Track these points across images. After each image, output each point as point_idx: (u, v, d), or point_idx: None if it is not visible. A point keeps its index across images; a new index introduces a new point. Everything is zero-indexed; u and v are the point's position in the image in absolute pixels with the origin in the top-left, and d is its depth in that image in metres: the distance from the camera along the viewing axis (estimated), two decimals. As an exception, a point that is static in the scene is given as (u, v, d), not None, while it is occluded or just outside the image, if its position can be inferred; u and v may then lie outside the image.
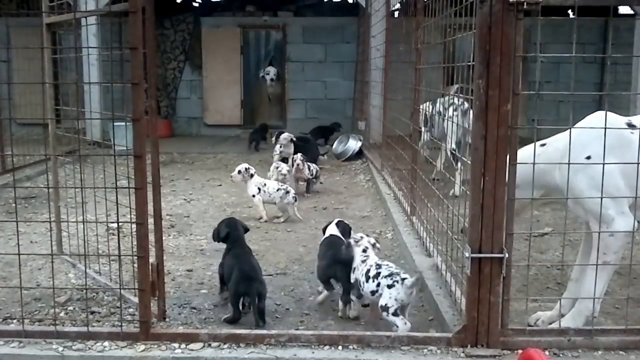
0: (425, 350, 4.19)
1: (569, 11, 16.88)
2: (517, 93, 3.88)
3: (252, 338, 4.27)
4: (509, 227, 4.02)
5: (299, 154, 10.30)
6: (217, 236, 5.67)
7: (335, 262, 5.28)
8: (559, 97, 16.62)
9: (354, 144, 14.30)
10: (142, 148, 4.16)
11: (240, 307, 5.04)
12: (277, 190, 8.42)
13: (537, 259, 6.44)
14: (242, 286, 4.98)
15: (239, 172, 8.73)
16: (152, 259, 4.48)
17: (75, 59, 6.42)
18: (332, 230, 5.84)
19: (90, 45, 12.16)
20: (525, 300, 4.79)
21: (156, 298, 4.63)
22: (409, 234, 7.08)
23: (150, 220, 4.41)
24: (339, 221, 5.94)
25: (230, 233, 5.53)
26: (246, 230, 5.74)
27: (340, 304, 5.21)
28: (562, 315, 4.58)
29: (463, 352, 4.13)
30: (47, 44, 5.96)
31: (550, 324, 4.66)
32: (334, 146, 14.51)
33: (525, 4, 3.80)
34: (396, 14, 12.35)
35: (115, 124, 9.45)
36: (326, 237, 5.81)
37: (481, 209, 3.99)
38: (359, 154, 14.12)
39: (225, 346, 4.25)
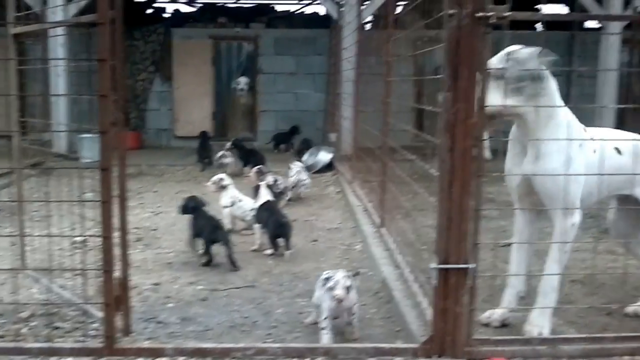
0: (392, 361, 4.20)
1: (537, 25, 17.08)
2: (485, 106, 3.91)
3: (218, 352, 4.23)
4: (475, 238, 4.04)
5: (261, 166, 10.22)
6: (185, 209, 7.29)
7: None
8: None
9: (324, 156, 14.28)
10: (108, 161, 4.12)
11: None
12: (252, 209, 8.14)
13: (503, 269, 6.44)
14: (215, 234, 6.84)
15: (213, 182, 8.72)
16: (117, 273, 4.43)
17: (43, 70, 6.37)
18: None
19: (58, 56, 12.09)
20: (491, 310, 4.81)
21: (121, 312, 4.58)
22: (378, 246, 7.06)
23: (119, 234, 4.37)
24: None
25: (196, 206, 7.20)
26: (204, 204, 7.31)
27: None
28: (512, 311, 4.89)
29: (429, 363, 4.14)
30: (13, 54, 5.90)
31: (503, 320, 4.88)
32: (304, 158, 14.50)
33: (493, 18, 3.83)
34: (368, 26, 12.42)
35: (82, 136, 9.38)
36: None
37: (448, 220, 4.01)
38: (329, 166, 14.12)
39: (191, 360, 4.22)
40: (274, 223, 7.36)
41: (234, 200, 8.44)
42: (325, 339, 4.60)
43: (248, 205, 8.32)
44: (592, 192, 4.74)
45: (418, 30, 5.39)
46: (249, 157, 13.32)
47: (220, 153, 13.36)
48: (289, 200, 10.48)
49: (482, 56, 3.91)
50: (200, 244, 7.07)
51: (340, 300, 4.56)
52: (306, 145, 15.04)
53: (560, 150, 4.49)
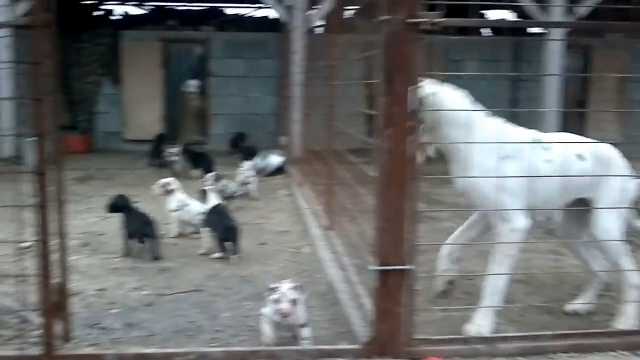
0: (334, 362, 4.23)
1: (482, 30, 17.37)
2: (419, 110, 3.98)
3: (160, 357, 4.24)
4: (413, 240, 4.10)
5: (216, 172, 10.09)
6: (114, 208, 7.68)
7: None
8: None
9: (275, 159, 14.32)
10: (43, 165, 4.08)
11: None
12: (199, 213, 8.08)
13: (448, 270, 6.51)
14: (145, 229, 7.36)
15: (160, 186, 8.70)
16: (57, 279, 4.39)
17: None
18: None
19: (2, 58, 11.93)
20: (434, 310, 4.87)
21: (60, 319, 4.53)
22: (325, 249, 7.10)
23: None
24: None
25: (126, 204, 7.65)
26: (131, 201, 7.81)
27: None
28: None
29: (371, 363, 4.18)
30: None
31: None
32: (255, 161, 14.51)
33: (425, 24, 3.90)
34: (319, 30, 12.47)
35: (28, 140, 9.25)
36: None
37: (386, 222, 4.06)
38: (280, 169, 14.15)
39: (133, 365, 4.20)
40: (222, 226, 7.37)
41: (181, 204, 8.42)
42: (266, 329, 4.51)
43: (195, 209, 8.27)
44: (551, 198, 4.89)
45: (359, 35, 5.44)
46: (198, 160, 13.36)
47: (168, 155, 13.34)
48: (238, 196, 10.71)
49: (416, 61, 3.97)
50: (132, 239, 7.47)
51: (285, 315, 4.44)
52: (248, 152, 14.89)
53: (481, 164, 4.64)
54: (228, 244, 7.29)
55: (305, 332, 4.50)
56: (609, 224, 4.92)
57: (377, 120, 4.10)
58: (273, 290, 4.52)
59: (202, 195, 8.10)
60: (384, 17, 3.94)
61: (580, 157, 4.92)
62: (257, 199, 11.26)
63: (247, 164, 11.95)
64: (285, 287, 4.49)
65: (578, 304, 5.44)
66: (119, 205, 7.66)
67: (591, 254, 5.34)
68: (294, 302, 4.46)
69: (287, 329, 4.60)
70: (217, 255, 7.37)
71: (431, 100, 4.60)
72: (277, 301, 4.42)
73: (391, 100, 3.98)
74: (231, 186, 9.68)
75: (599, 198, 4.98)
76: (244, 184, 11.42)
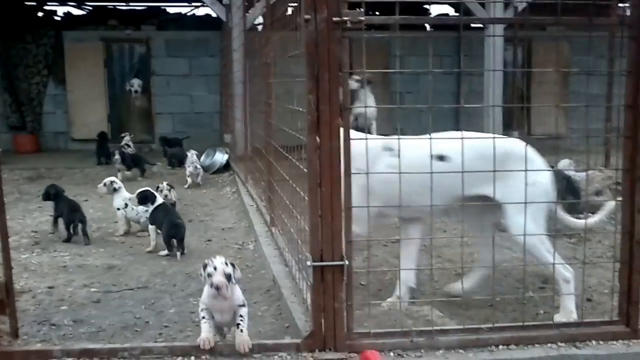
0: (276, 356, 4.29)
1: (426, 25, 17.54)
2: (348, 107, 4.09)
3: (105, 352, 4.27)
4: (348, 235, 4.19)
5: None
6: (47, 196, 8.57)
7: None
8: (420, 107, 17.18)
9: (220, 157, 14.40)
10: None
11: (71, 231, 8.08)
12: (145, 211, 8.16)
13: (394, 264, 6.61)
14: (73, 215, 8.12)
15: (104, 184, 8.76)
16: (1, 278, 4.44)
17: None
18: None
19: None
20: (375, 304, 4.96)
21: (7, 316, 4.57)
22: (269, 245, 7.21)
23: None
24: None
25: (57, 193, 8.46)
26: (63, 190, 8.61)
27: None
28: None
29: (312, 357, 4.26)
30: None
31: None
32: (201, 159, 14.55)
33: (348, 22, 3.98)
34: (259, 27, 12.52)
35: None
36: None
37: (319, 219, 4.15)
38: (226, 167, 14.22)
39: (79, 362, 4.25)
40: (168, 224, 7.48)
41: (126, 202, 8.46)
42: (204, 328, 4.34)
43: (141, 207, 8.29)
44: (413, 199, 4.94)
45: (292, 32, 5.50)
46: (133, 161, 13.60)
47: (115, 156, 13.32)
48: (188, 187, 11.95)
49: (341, 59, 4.04)
50: (60, 223, 8.34)
51: (218, 287, 4.21)
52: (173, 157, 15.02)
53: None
54: (173, 241, 7.41)
55: (243, 311, 4.37)
56: (519, 221, 4.84)
57: (305, 117, 4.18)
58: (206, 266, 4.31)
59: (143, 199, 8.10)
60: (306, 16, 4.00)
61: (440, 157, 4.93)
62: (200, 187, 12.10)
63: (192, 152, 12.98)
64: (218, 261, 4.31)
65: (458, 285, 5.63)
66: (51, 194, 8.51)
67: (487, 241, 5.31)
68: (228, 276, 4.24)
69: (227, 315, 4.42)
70: (163, 252, 7.47)
71: None
72: (210, 275, 4.24)
73: (317, 98, 4.04)
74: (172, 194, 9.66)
75: (504, 195, 4.88)
76: (193, 174, 12.59)
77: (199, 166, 12.96)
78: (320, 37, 4.00)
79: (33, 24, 18.35)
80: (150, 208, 7.87)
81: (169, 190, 9.48)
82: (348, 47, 4.06)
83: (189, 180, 12.57)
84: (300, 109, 4.62)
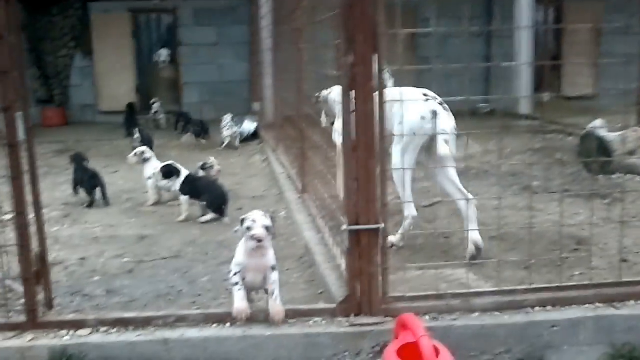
0: (311, 322, 4.28)
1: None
2: (382, 69, 4.01)
3: (140, 321, 4.28)
4: (384, 199, 4.15)
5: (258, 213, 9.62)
6: (72, 160, 9.18)
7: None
8: (448, 71, 16.98)
9: (249, 126, 14.35)
10: (14, 137, 4.09)
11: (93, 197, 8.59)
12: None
13: (425, 229, 6.61)
14: (94, 181, 8.61)
15: (135, 154, 8.84)
16: (36, 249, 4.43)
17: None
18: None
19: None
20: (410, 268, 4.92)
21: (42, 287, 4.57)
22: (301, 212, 7.18)
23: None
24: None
25: (77, 160, 9.05)
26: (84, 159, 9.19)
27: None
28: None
29: (347, 322, 4.24)
30: None
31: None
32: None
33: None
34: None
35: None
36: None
37: (356, 182, 4.11)
38: (255, 135, 14.18)
39: (114, 330, 4.24)
40: (214, 192, 7.74)
41: (156, 171, 8.44)
42: (238, 296, 4.29)
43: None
44: None
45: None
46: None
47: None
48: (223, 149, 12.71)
49: (376, 20, 3.97)
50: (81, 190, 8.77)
51: (259, 240, 4.16)
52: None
53: None
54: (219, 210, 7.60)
55: (275, 275, 4.32)
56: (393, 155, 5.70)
57: (340, 81, 4.13)
58: (244, 220, 4.24)
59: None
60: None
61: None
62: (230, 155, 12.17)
63: (228, 116, 13.48)
64: (257, 214, 4.25)
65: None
66: (75, 159, 9.10)
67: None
68: (267, 228, 4.19)
69: (259, 276, 4.36)
70: (207, 218, 7.59)
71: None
72: (250, 228, 4.18)
73: (353, 60, 3.99)
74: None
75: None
76: (232, 136, 13.35)
77: (236, 128, 13.43)
78: (354, -2, 3.95)
79: (60, -4, 18.31)
80: (178, 180, 7.86)
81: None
82: (383, 8, 3.97)
83: (226, 141, 13.29)
84: (334, 73, 4.57)
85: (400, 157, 5.65)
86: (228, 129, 13.39)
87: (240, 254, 4.33)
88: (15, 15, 4.11)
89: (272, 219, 4.30)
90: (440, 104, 5.70)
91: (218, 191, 7.77)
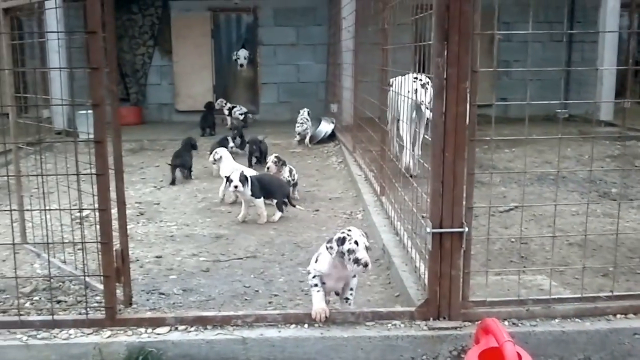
0: (390, 324, 4.25)
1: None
2: (476, 70, 3.91)
3: (218, 320, 4.29)
4: (469, 202, 4.08)
5: (274, 155, 9.31)
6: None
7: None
8: (528, 75, 16.69)
9: (326, 127, 14.30)
10: (102, 134, 4.11)
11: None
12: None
13: (503, 234, 6.51)
14: (174, 160, 10.01)
15: (213, 157, 9.36)
16: (117, 246, 4.46)
17: (40, 47, 6.33)
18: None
19: (53, 31, 12.03)
20: (487, 273, 4.83)
21: (121, 284, 4.60)
22: (379, 214, 7.12)
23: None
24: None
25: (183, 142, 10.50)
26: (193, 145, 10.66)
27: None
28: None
29: (426, 325, 4.21)
30: (5, 30, 5.87)
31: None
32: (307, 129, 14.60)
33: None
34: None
35: (80, 112, 9.36)
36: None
37: (441, 185, 4.04)
38: (331, 137, 14.14)
39: (192, 329, 4.25)
40: (280, 189, 7.86)
41: (234, 170, 8.45)
42: (317, 297, 4.28)
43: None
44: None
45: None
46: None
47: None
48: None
49: (473, 21, 3.91)
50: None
51: (366, 265, 4.10)
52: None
53: None
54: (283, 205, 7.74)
55: (354, 281, 4.38)
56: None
57: (432, 82, 4.05)
58: (342, 240, 4.14)
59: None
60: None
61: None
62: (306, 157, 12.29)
63: (303, 111, 14.13)
64: (357, 234, 4.16)
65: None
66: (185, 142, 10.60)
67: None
68: (367, 249, 4.16)
69: (341, 283, 4.38)
70: (277, 216, 7.68)
71: None
72: (352, 251, 4.10)
73: (446, 61, 3.93)
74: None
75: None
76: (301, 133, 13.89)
77: (306, 125, 13.86)
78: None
79: (140, -6, 18.55)
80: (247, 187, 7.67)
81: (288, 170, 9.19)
82: (479, 8, 3.92)
83: (296, 139, 13.92)
84: (427, 75, 4.51)
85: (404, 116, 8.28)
86: (299, 125, 13.83)
87: (324, 264, 4.30)
88: (110, 12, 4.13)
89: (366, 235, 4.29)
90: (422, 85, 8.47)
91: (282, 186, 8.02)
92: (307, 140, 13.55)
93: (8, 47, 5.87)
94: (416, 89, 8.15)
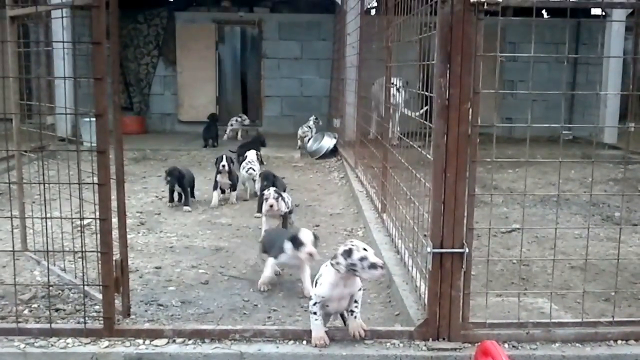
0: (388, 344, 4.24)
1: (543, 11, 17.02)
2: (478, 92, 3.93)
3: (217, 333, 4.29)
4: (470, 223, 4.08)
5: (272, 189, 8.01)
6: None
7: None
8: (533, 96, 16.72)
9: (328, 142, 14.32)
10: (105, 143, 4.12)
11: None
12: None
13: (504, 255, 6.50)
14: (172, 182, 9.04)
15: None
16: (117, 256, 4.45)
17: (46, 54, 6.35)
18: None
19: (60, 39, 12.08)
20: (487, 294, 4.82)
21: (120, 294, 4.59)
22: (379, 231, 7.12)
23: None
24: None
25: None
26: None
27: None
28: None
29: (425, 346, 4.19)
30: (12, 37, 5.89)
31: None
32: (308, 144, 14.56)
33: (485, 4, 3.86)
34: (372, 11, 12.39)
35: (84, 120, 9.39)
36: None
37: (443, 205, 4.04)
38: (333, 152, 14.15)
39: (190, 342, 4.25)
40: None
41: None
42: (316, 326, 4.25)
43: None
44: None
45: (417, 15, 5.39)
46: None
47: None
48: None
49: (475, 42, 3.93)
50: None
51: (382, 267, 4.08)
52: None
53: None
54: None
55: (359, 294, 4.30)
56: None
57: (434, 102, 4.06)
58: (348, 251, 4.08)
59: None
60: (445, -3, 3.89)
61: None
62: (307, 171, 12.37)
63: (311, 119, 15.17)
64: (361, 245, 4.15)
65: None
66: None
67: None
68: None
69: (344, 302, 4.32)
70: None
71: None
72: (364, 258, 4.05)
73: (449, 81, 3.95)
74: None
75: None
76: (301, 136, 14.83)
77: (306, 129, 15.00)
78: (455, 19, 3.91)
79: (145, 4, 18.52)
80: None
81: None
82: (482, 30, 3.94)
83: (299, 143, 14.78)
84: (427, 93, 4.51)
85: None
86: (300, 128, 15.02)
87: (325, 286, 4.25)
88: (115, 23, 4.14)
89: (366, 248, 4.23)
90: (398, 89, 8.63)
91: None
92: (308, 145, 13.65)
93: (14, 54, 5.88)
94: (393, 94, 8.42)
